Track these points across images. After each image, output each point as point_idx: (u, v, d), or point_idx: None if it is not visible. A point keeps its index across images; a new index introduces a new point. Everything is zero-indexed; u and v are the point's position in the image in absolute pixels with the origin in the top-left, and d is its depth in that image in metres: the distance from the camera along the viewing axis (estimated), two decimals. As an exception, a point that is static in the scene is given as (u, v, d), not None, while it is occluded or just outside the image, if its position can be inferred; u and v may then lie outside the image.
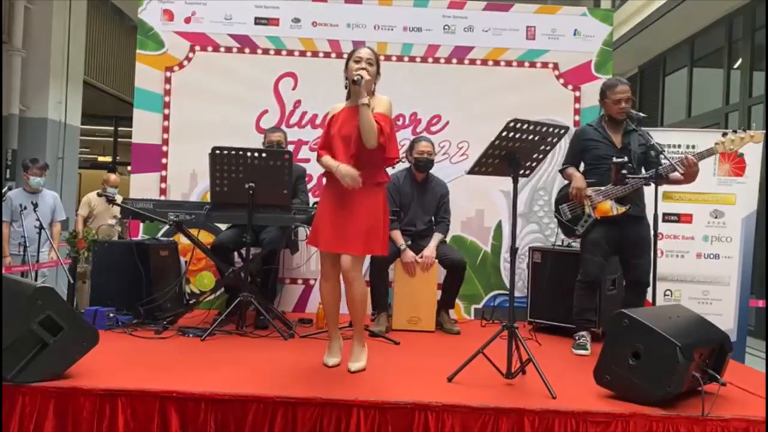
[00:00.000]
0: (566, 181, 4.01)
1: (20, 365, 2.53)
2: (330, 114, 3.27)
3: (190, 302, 4.54)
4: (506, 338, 2.96)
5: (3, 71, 7.55)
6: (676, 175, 3.64)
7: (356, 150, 3.06)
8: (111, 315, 3.88)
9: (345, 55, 4.92)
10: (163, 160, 4.99)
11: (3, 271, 4.88)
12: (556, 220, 4.09)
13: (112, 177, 6.48)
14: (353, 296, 3.11)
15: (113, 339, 3.56)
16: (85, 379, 2.64)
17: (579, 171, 3.93)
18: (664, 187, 3.92)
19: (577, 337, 3.82)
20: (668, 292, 4.65)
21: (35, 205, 5.48)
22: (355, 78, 2.99)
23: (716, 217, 4.69)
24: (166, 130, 5.00)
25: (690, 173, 3.59)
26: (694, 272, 4.68)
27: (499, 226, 5.09)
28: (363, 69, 3.06)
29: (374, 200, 3.11)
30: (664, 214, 4.55)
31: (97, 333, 2.81)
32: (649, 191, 3.69)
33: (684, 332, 2.73)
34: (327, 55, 5.09)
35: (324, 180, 3.28)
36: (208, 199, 4.21)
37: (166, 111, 5.00)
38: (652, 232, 3.64)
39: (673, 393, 2.61)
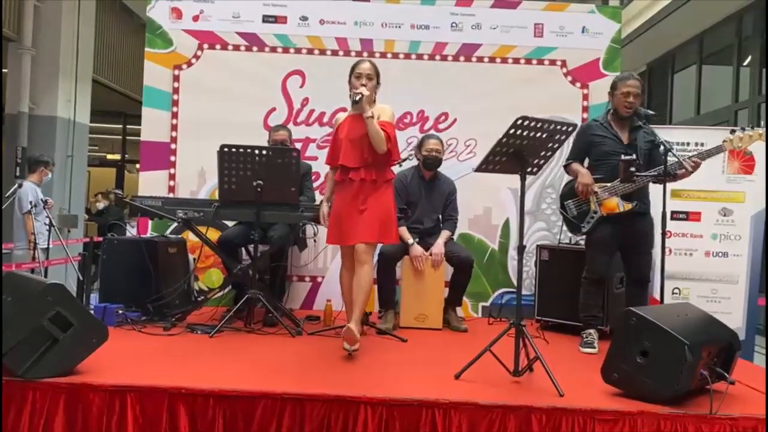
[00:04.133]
0: (571, 177, 4.01)
1: (30, 361, 2.55)
2: (336, 123, 3.69)
3: (199, 299, 4.57)
4: (514, 336, 2.96)
5: (13, 69, 7.61)
6: (679, 171, 3.64)
7: (367, 153, 3.47)
8: (120, 312, 3.90)
9: (353, 53, 5.07)
10: (172, 158, 5.01)
11: (14, 268, 4.93)
12: (561, 216, 4.09)
13: None
14: (360, 276, 3.44)
15: (122, 335, 3.58)
16: (94, 375, 2.66)
17: (583, 167, 3.92)
18: (672, 185, 3.91)
19: (584, 335, 3.81)
20: (677, 291, 4.63)
21: (45, 202, 5.52)
22: (356, 99, 3.41)
23: (725, 215, 4.66)
24: (174, 128, 5.02)
25: (692, 171, 3.63)
26: (702, 270, 4.65)
27: (506, 223, 5.08)
28: (363, 85, 3.47)
29: (384, 195, 3.53)
30: (673, 212, 4.53)
31: (107, 329, 2.83)
32: (656, 189, 3.68)
33: (692, 330, 2.72)
34: (335, 53, 5.10)
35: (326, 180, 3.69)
36: (217, 196, 4.23)
37: (175, 109, 5.02)
38: (657, 229, 3.64)
39: (681, 391, 2.60)
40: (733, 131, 3.64)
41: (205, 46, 5.05)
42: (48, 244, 5.56)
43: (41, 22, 7.81)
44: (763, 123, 7.13)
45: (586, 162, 3.96)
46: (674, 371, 2.58)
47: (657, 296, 3.69)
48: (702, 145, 4.52)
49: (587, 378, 2.98)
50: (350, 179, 3.48)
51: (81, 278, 4.92)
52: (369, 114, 3.40)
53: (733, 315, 4.52)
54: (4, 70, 7.60)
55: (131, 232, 4.97)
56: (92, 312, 3.70)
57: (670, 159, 3.55)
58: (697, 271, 4.65)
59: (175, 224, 4.66)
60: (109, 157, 14.16)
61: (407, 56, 5.09)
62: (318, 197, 4.66)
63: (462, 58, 5.12)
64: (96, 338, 2.75)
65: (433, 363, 3.28)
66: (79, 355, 2.69)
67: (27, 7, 7.62)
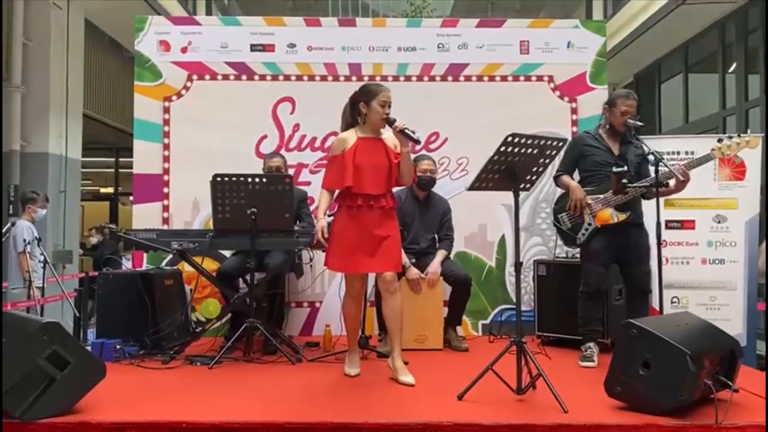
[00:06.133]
0: (561, 189, 4.02)
1: (28, 402, 2.52)
2: (342, 145, 3.43)
3: (197, 330, 4.53)
4: (515, 353, 2.95)
5: (3, 109, 7.62)
6: (670, 184, 3.66)
7: (390, 181, 3.43)
8: (117, 347, 3.86)
9: (342, 78, 5.09)
10: (165, 190, 5.01)
11: (9, 308, 4.90)
12: (555, 228, 4.09)
13: None
14: (397, 306, 3.44)
15: (121, 371, 3.54)
16: (93, 413, 2.63)
17: (573, 179, 3.94)
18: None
19: (584, 349, 3.80)
20: (675, 300, 4.63)
21: (38, 240, 5.50)
22: (415, 137, 3.31)
23: (719, 222, 4.68)
24: (166, 159, 5.02)
25: (684, 182, 3.63)
26: (700, 278, 4.65)
27: (502, 240, 5.08)
28: (387, 113, 3.37)
29: (395, 222, 3.50)
30: (667, 221, 4.54)
31: (104, 366, 2.81)
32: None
33: (693, 340, 2.71)
34: (324, 78, 5.13)
35: (332, 205, 3.51)
36: (211, 226, 4.22)
37: (166, 140, 5.03)
38: (651, 240, 3.64)
39: (686, 402, 2.59)
40: (720, 140, 3.68)
41: (195, 77, 5.08)
42: (43, 282, 5.53)
43: (30, 59, 7.82)
44: (749, 131, 7.17)
45: (576, 176, 3.98)
46: (677, 382, 2.57)
47: (656, 306, 3.68)
48: (692, 153, 4.55)
49: (591, 393, 2.96)
50: (370, 206, 3.37)
51: (77, 314, 4.89)
52: (409, 149, 3.41)
53: (733, 321, 4.51)
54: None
55: (126, 265, 4.96)
56: (89, 348, 3.68)
57: (661, 169, 3.57)
58: (694, 279, 4.66)
59: (171, 256, 4.64)
60: (102, 190, 14.12)
61: (396, 78, 5.12)
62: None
63: (450, 78, 5.16)
64: (94, 375, 2.72)
65: (435, 384, 3.26)
66: (77, 394, 2.67)
67: (15, 45, 7.65)
